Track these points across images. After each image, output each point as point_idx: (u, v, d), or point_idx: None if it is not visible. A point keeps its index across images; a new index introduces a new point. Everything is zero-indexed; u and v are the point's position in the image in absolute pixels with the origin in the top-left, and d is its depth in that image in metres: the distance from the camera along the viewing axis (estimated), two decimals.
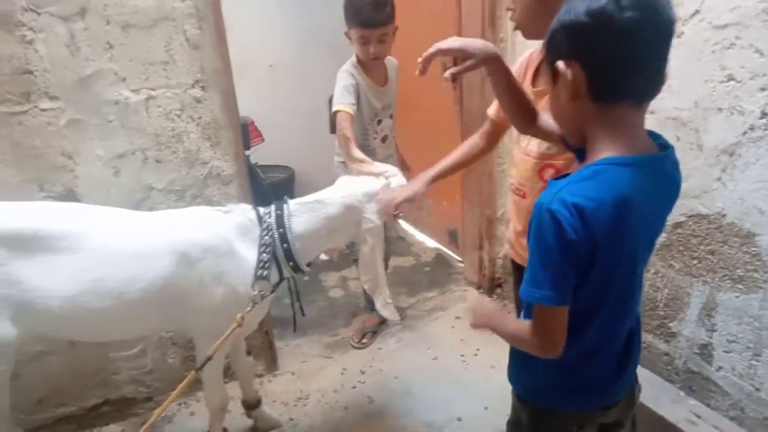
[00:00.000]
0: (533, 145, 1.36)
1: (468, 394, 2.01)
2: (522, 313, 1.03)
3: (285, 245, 1.42)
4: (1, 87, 1.47)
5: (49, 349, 1.72)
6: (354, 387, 2.08)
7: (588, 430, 1.05)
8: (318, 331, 2.43)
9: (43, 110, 1.54)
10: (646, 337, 1.86)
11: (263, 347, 2.14)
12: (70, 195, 1.63)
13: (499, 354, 2.18)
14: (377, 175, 1.57)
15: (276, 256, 1.43)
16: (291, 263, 1.45)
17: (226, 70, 1.73)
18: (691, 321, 1.70)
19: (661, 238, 1.72)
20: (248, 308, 1.36)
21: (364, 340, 2.34)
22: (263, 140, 2.74)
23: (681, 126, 1.58)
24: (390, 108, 2.19)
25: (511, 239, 1.52)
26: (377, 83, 2.12)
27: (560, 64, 0.83)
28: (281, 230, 1.42)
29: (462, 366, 2.17)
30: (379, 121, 2.18)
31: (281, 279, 1.48)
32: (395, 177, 1.57)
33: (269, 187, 2.67)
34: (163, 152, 1.72)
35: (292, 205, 1.47)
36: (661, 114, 1.63)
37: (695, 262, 1.63)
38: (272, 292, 1.47)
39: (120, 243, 1.33)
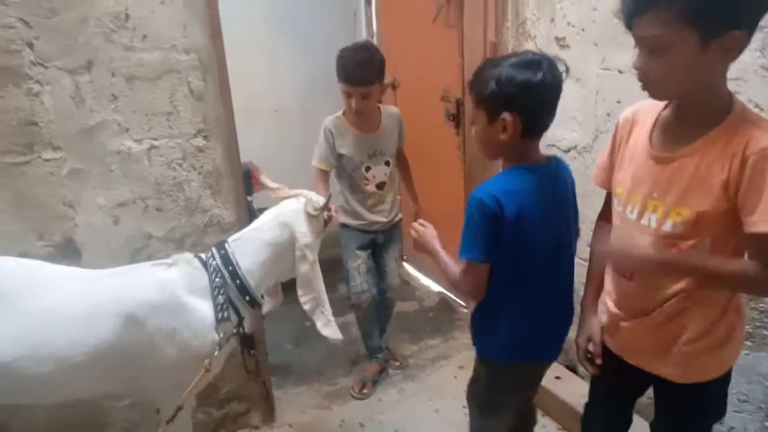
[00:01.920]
0: (652, 221, 1.09)
1: None
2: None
3: (237, 281, 1.42)
4: (6, 138, 1.49)
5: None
6: None
7: (523, 377, 1.44)
8: (318, 379, 2.38)
9: (46, 160, 1.55)
10: None
11: (260, 397, 2.09)
12: (69, 244, 1.63)
13: None
14: (295, 195, 1.60)
15: (230, 297, 1.41)
16: (247, 298, 1.44)
17: (229, 120, 1.75)
18: None
19: None
20: (215, 353, 1.35)
21: (364, 390, 2.28)
22: None
23: None
24: (383, 155, 2.20)
25: (605, 321, 1.28)
26: (365, 131, 2.17)
27: (507, 116, 1.17)
28: (230, 268, 1.42)
29: (464, 418, 2.09)
30: (368, 168, 2.19)
31: (240, 320, 1.45)
32: (312, 195, 1.60)
33: None
34: (163, 201, 1.72)
35: (231, 242, 1.48)
36: None
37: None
38: (234, 334, 1.44)
39: (61, 306, 1.28)
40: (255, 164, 1.70)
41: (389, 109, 2.23)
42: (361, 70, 2.00)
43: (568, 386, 2.05)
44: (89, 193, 1.62)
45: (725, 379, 1.18)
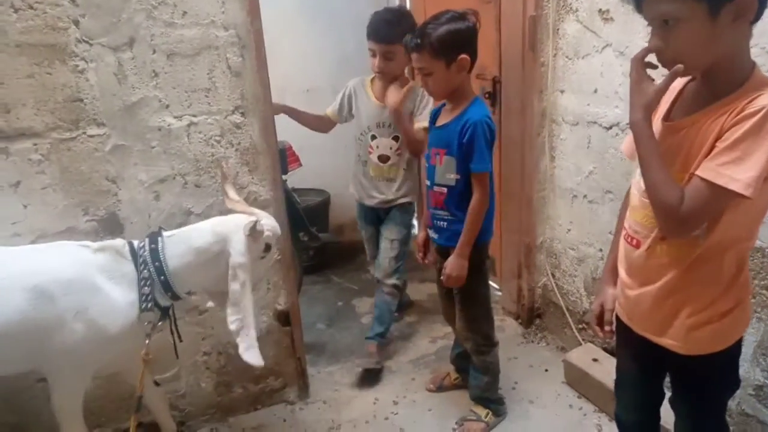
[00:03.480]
0: None
1: (504, 428, 1.94)
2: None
3: (162, 277, 1.41)
4: (54, 114, 1.53)
5: None
6: (386, 418, 2.03)
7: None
8: (351, 358, 2.39)
9: (91, 136, 1.58)
10: None
11: (295, 374, 2.12)
12: (112, 218, 1.67)
13: (538, 388, 2.11)
14: (249, 213, 1.53)
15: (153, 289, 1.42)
16: (169, 293, 1.44)
17: (266, 97, 1.75)
18: (745, 360, 1.59)
19: None
20: (146, 341, 1.39)
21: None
22: (300, 165, 2.76)
23: None
24: (392, 129, 2.19)
25: (618, 294, 1.27)
26: (380, 99, 2.19)
27: (464, 56, 1.64)
28: (157, 263, 1.41)
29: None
30: (373, 137, 2.23)
31: (165, 309, 1.46)
32: (265, 219, 1.53)
33: (305, 210, 2.68)
34: (202, 177, 1.74)
35: (166, 236, 1.46)
36: None
37: (750, 297, 1.54)
38: (159, 321, 1.45)
39: None
40: (225, 169, 1.69)
41: (415, 89, 2.17)
42: (386, 27, 2.03)
43: (605, 368, 2.01)
44: (131, 169, 1.66)
45: (732, 352, 1.16)
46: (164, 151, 1.67)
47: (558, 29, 2.05)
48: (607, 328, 1.31)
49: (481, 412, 1.95)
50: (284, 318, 2.00)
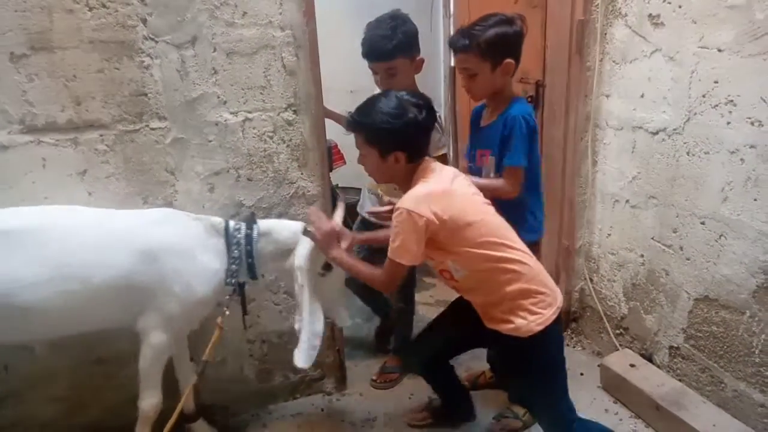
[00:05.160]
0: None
1: (539, 430, 1.95)
2: None
3: (250, 260, 1.60)
4: (120, 107, 1.62)
5: (120, 357, 1.80)
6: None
7: None
8: (388, 353, 2.43)
9: (153, 129, 1.67)
10: (739, 385, 1.74)
11: (334, 365, 2.17)
12: (168, 208, 1.74)
13: (574, 392, 2.10)
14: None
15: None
16: (250, 275, 1.62)
17: (318, 95, 1.81)
18: None
19: (759, 280, 1.62)
20: (226, 312, 1.56)
21: (378, 380, 2.25)
22: (345, 163, 2.82)
23: None
24: None
25: None
26: None
27: (509, 60, 1.69)
28: (248, 247, 1.59)
29: None
30: None
31: (241, 285, 1.64)
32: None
33: (346, 207, 2.73)
34: (254, 171, 1.81)
35: (260, 223, 1.64)
36: (763, 149, 1.56)
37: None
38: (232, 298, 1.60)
39: (83, 234, 1.44)
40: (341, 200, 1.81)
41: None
42: (381, 43, 1.86)
43: (643, 374, 2.01)
44: (189, 161, 1.74)
45: (527, 344, 1.44)
46: (220, 145, 1.75)
47: (606, 33, 2.06)
48: None
49: (519, 411, 1.96)
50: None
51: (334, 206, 2.45)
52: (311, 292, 1.59)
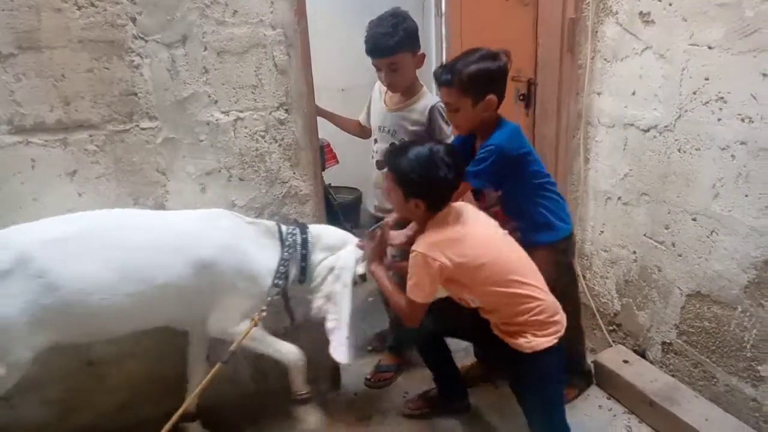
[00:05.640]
0: None
1: None
2: None
3: (303, 264, 1.69)
4: (110, 107, 1.60)
5: (133, 353, 1.81)
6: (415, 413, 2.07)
7: None
8: (382, 352, 2.43)
9: (143, 129, 1.66)
10: (731, 380, 1.76)
11: (328, 366, 2.16)
12: (160, 209, 1.73)
13: None
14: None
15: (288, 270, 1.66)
16: (301, 278, 1.70)
17: (309, 94, 1.81)
18: None
19: (751, 276, 1.63)
20: (264, 310, 1.59)
21: (372, 379, 2.25)
22: (338, 162, 2.82)
23: None
24: (391, 135, 2.06)
25: None
26: (387, 102, 2.12)
27: (491, 97, 1.67)
28: (304, 252, 1.69)
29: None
30: (375, 140, 2.16)
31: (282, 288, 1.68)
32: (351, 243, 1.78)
33: (338, 207, 2.73)
34: (246, 171, 1.80)
35: (311, 228, 1.74)
36: (753, 145, 1.57)
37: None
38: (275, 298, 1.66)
39: (151, 239, 1.50)
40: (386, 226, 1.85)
41: (427, 100, 2.04)
42: (384, 39, 1.91)
43: (637, 369, 2.02)
44: (180, 161, 1.72)
45: (528, 357, 1.53)
46: (212, 145, 1.74)
47: (597, 31, 2.06)
48: None
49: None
50: None
51: (328, 206, 2.46)
52: (350, 292, 1.70)
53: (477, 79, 1.64)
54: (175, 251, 1.50)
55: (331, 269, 1.72)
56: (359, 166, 3.20)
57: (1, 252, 1.35)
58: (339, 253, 1.73)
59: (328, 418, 2.02)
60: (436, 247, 1.51)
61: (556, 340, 1.54)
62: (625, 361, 2.07)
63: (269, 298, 1.62)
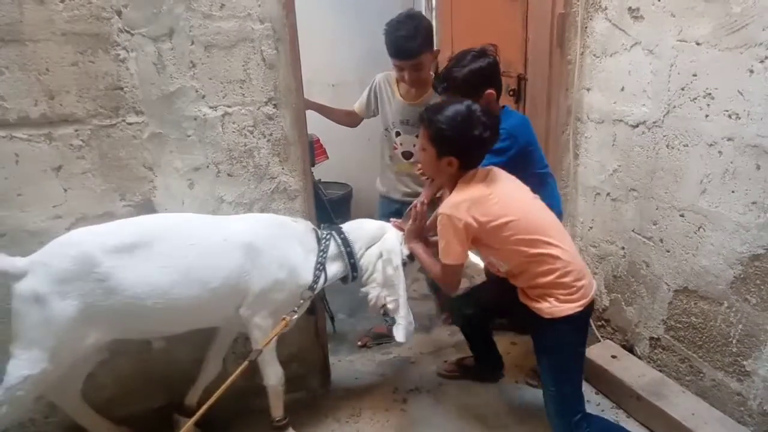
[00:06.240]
0: None
1: (523, 422, 1.96)
2: None
3: (352, 260, 1.74)
4: (95, 102, 1.58)
5: (121, 350, 1.79)
6: (404, 408, 2.07)
7: None
8: (371, 348, 2.43)
9: (130, 124, 1.63)
10: (717, 375, 1.77)
11: (318, 362, 2.17)
12: (147, 204, 1.72)
13: None
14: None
15: (324, 273, 1.70)
16: (354, 273, 1.76)
17: (298, 89, 1.79)
18: (767, 360, 1.61)
19: (737, 271, 1.65)
20: (295, 311, 1.61)
21: (359, 342, 2.47)
22: (327, 157, 2.81)
23: (762, 154, 1.52)
24: (416, 127, 2.15)
25: None
26: (406, 97, 2.23)
27: (489, 91, 1.75)
28: (348, 249, 1.74)
29: (519, 392, 2.13)
30: (398, 133, 2.26)
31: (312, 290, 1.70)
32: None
33: (328, 203, 2.72)
34: (234, 166, 1.79)
35: (345, 227, 1.80)
36: (740, 141, 1.57)
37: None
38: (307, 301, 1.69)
39: (203, 240, 1.54)
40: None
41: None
42: (409, 42, 2.02)
43: (624, 365, 2.03)
44: (167, 156, 1.70)
45: (546, 323, 1.59)
46: (199, 140, 1.72)
47: (586, 27, 2.06)
48: None
49: None
50: (309, 307, 2.04)
51: (318, 202, 2.46)
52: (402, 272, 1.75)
53: (473, 79, 1.74)
54: (228, 249, 1.55)
55: (379, 255, 1.75)
56: (349, 162, 3.22)
57: (67, 254, 1.41)
58: (384, 238, 1.78)
59: (319, 414, 2.03)
60: (460, 207, 1.54)
61: (580, 308, 1.57)
62: (614, 357, 2.08)
63: (302, 300, 1.64)
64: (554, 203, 1.91)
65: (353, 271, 1.75)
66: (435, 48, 2.16)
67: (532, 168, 1.86)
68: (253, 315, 1.63)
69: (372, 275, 1.77)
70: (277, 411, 1.80)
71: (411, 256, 1.79)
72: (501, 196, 1.58)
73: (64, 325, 1.40)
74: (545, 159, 1.96)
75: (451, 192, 1.63)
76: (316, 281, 1.67)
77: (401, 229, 1.83)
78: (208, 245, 1.54)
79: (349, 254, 1.73)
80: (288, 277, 1.63)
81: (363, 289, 1.81)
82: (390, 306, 1.75)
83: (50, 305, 1.38)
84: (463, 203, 1.55)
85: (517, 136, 1.78)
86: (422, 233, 1.81)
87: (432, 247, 1.80)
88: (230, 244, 1.56)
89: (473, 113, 1.53)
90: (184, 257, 1.49)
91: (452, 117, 1.54)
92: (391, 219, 1.90)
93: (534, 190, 1.83)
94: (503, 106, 1.86)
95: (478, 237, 1.58)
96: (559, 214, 1.95)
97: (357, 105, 2.39)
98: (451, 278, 1.67)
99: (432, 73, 2.21)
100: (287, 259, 1.63)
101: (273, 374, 1.75)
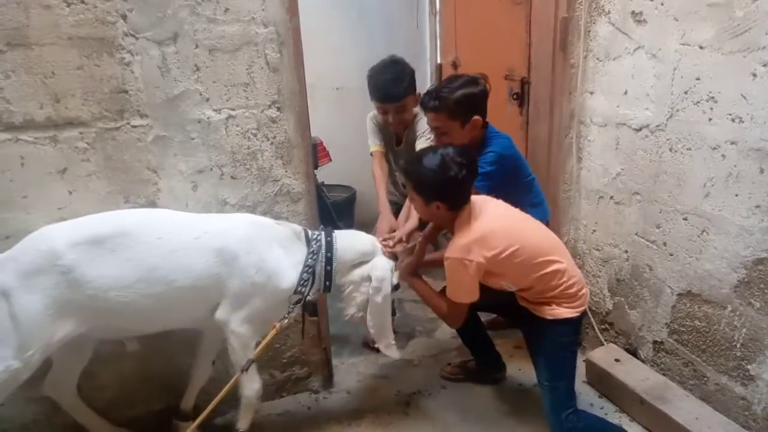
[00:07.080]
0: None
1: (526, 427, 1.96)
2: None
3: (328, 267, 1.69)
4: (100, 105, 1.59)
5: (123, 352, 1.80)
6: (407, 410, 2.07)
7: None
8: (374, 350, 2.43)
9: (134, 127, 1.65)
10: (721, 379, 1.77)
11: (320, 364, 2.17)
12: (151, 207, 1.72)
13: None
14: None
15: (313, 276, 1.66)
16: (327, 283, 1.70)
17: (302, 92, 1.80)
18: None
19: (741, 275, 1.64)
20: (286, 317, 1.59)
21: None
22: (330, 160, 2.81)
23: (766, 158, 1.52)
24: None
25: None
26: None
27: (476, 118, 1.86)
28: (329, 254, 1.69)
29: (520, 394, 2.13)
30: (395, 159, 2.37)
31: (303, 298, 1.66)
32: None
33: (332, 205, 2.73)
34: (238, 169, 1.80)
35: (338, 233, 1.75)
36: (743, 145, 1.57)
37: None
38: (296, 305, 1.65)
39: (173, 237, 1.50)
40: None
41: (420, 117, 2.21)
42: (393, 87, 2.13)
43: (627, 368, 2.03)
44: (171, 159, 1.71)
45: (546, 323, 1.69)
46: (203, 143, 1.73)
47: (589, 31, 2.06)
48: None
49: None
50: (312, 308, 2.05)
51: (321, 205, 2.47)
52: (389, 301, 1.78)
53: (462, 103, 1.84)
54: (198, 249, 1.51)
55: (366, 278, 1.75)
56: (353, 165, 3.22)
57: (36, 248, 1.41)
58: (374, 262, 1.76)
59: (321, 416, 2.04)
60: (467, 249, 1.61)
61: (577, 314, 1.69)
62: (617, 360, 2.07)
63: (291, 306, 1.61)
64: (541, 206, 2.11)
65: (327, 279, 1.69)
66: (416, 92, 2.25)
67: (521, 179, 2.04)
68: (228, 320, 1.57)
69: (352, 294, 1.76)
70: (243, 423, 1.72)
71: (398, 285, 1.83)
72: (500, 229, 1.66)
73: (32, 320, 1.38)
74: (529, 167, 2.11)
75: (451, 231, 1.70)
76: (303, 284, 1.63)
77: (392, 255, 1.85)
78: (177, 242, 1.50)
79: (328, 259, 1.68)
80: (267, 281, 1.57)
81: (340, 305, 1.82)
82: (372, 331, 1.79)
83: (17, 300, 1.37)
84: (469, 245, 1.61)
85: (506, 157, 1.92)
86: (420, 268, 1.88)
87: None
88: (201, 244, 1.51)
89: (446, 157, 1.60)
90: (148, 252, 1.46)
91: (428, 166, 1.61)
92: (381, 240, 1.88)
93: (523, 197, 2.00)
94: (487, 126, 1.96)
95: (489, 270, 1.64)
96: (546, 213, 2.13)
97: (373, 146, 2.38)
98: (460, 316, 1.75)
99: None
100: (265, 262, 1.57)
101: (249, 386, 1.68)
